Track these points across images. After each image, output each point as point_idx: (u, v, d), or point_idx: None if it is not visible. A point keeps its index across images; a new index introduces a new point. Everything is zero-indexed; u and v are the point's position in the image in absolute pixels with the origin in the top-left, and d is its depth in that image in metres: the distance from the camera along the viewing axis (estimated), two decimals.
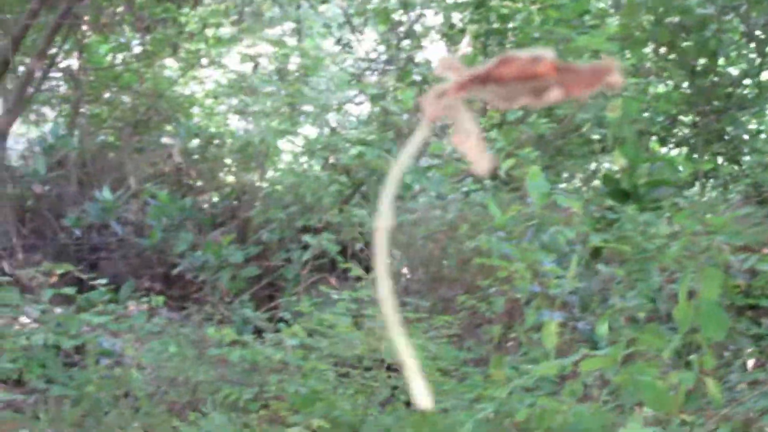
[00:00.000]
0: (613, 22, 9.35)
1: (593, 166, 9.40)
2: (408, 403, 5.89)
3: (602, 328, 4.84)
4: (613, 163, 6.85)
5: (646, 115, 9.03)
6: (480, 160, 0.90)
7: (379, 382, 5.79)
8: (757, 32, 9.61)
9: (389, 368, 5.91)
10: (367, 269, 8.18)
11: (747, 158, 9.70)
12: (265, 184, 10.86)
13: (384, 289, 0.88)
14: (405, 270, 8.33)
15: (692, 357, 4.70)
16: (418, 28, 11.43)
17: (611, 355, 4.45)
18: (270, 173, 11.31)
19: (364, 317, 6.09)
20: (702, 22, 9.28)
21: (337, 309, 6.22)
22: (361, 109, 11.04)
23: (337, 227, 8.78)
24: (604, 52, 8.07)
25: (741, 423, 4.96)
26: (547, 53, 0.87)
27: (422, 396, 0.87)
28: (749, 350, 5.79)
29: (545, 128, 8.29)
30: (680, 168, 7.74)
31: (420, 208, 8.39)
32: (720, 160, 9.70)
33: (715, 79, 9.89)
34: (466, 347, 6.63)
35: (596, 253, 5.57)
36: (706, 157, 9.44)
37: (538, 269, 5.65)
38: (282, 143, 10.99)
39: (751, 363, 5.78)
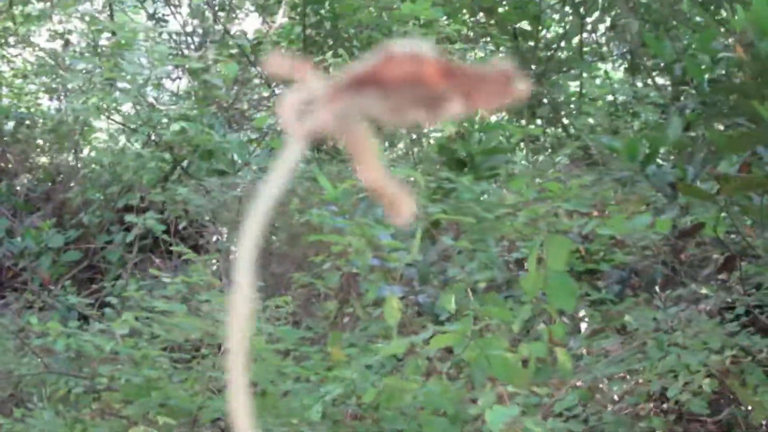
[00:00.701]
0: None
1: (417, 134, 9.26)
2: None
3: (449, 302, 4.65)
4: (443, 131, 6.71)
5: None
6: (397, 201, 0.69)
7: (216, 368, 5.52)
8: None
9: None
10: (194, 248, 7.88)
11: (567, 121, 9.71)
12: (81, 165, 10.45)
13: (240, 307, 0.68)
14: (233, 248, 8.05)
15: (541, 327, 4.60)
16: None
17: (461, 330, 4.30)
18: (86, 153, 10.90)
19: (197, 301, 5.82)
20: None
21: (168, 292, 5.93)
22: (180, 84, 10.69)
23: (161, 206, 8.46)
24: (428, 19, 7.92)
25: (586, 390, 4.89)
26: (428, 50, 0.67)
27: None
28: (584, 315, 5.74)
29: None
30: (508, 134, 7.66)
31: (245, 183, 8.11)
32: (542, 123, 9.68)
33: (531, 43, 9.88)
34: (304, 326, 6.42)
35: (434, 224, 5.39)
36: (525, 122, 9.41)
37: (375, 243, 5.45)
38: (98, 121, 10.58)
39: (583, 327, 5.73)
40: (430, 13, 7.82)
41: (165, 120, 8.92)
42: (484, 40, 9.95)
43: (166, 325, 5.50)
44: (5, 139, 10.93)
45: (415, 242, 4.84)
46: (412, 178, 5.32)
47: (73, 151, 10.78)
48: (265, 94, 10.79)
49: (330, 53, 7.88)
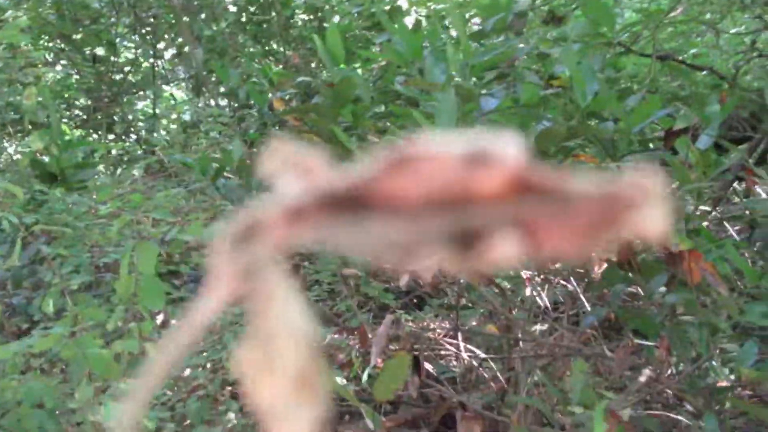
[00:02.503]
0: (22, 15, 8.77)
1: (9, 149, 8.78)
2: None
3: (47, 304, 4.46)
4: (31, 146, 6.41)
5: (58, 101, 8.59)
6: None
7: None
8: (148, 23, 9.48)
9: None
10: None
11: (141, 136, 9.55)
12: None
13: None
14: None
15: (132, 325, 4.47)
16: None
17: (61, 332, 4.12)
18: None
19: None
20: (96, 16, 9.01)
21: None
22: None
23: None
24: (19, 43, 7.50)
25: (171, 379, 4.81)
26: (509, 144, 0.38)
27: None
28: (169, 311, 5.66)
29: None
30: (91, 149, 7.41)
31: None
32: (118, 139, 9.47)
33: (102, 67, 9.65)
34: None
35: (29, 233, 5.13)
36: (105, 139, 9.20)
37: None
38: None
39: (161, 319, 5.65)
40: (18, 38, 7.41)
41: None
42: (63, 63, 9.58)
43: None
44: None
45: (16, 249, 4.58)
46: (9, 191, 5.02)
47: None
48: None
49: None
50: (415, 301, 6.00)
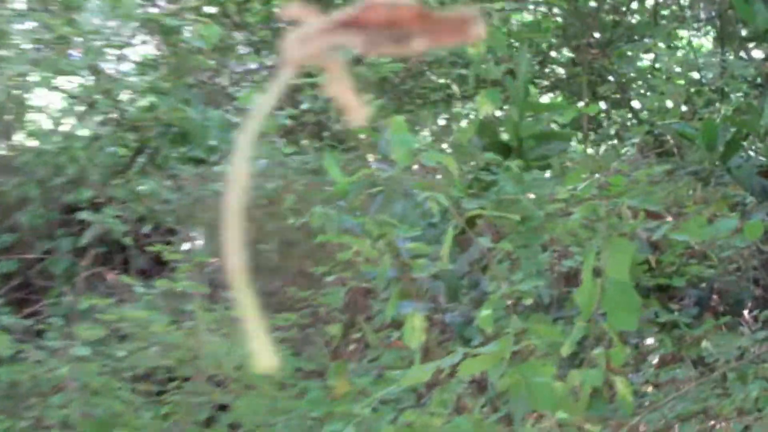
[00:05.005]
0: None
1: (447, 114, 9.41)
2: (232, 426, 5.84)
3: (486, 316, 4.79)
4: (478, 111, 6.84)
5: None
6: (356, 110, 1.01)
7: (200, 398, 5.75)
8: None
9: (214, 382, 5.85)
10: (159, 260, 7.94)
11: (636, 102, 9.73)
12: (14, 153, 10.50)
13: (237, 279, 0.94)
14: (211, 259, 8.13)
15: (597, 352, 4.70)
16: None
17: (498, 352, 4.41)
18: (22, 138, 10.92)
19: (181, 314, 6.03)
20: None
21: (141, 305, 6.16)
22: (147, 50, 10.77)
23: (119, 204, 8.53)
24: None
25: None
26: (409, 1, 1.02)
27: (265, 356, 0.93)
28: (653, 341, 5.85)
29: (388, 69, 8.32)
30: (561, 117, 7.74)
31: (228, 174, 8.28)
32: (606, 104, 9.74)
33: (594, 4, 9.91)
34: (304, 355, 6.57)
35: (470, 225, 5.53)
36: (585, 102, 9.41)
37: (393, 247, 5.60)
38: (39, 98, 10.64)
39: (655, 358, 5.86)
40: None
41: (128, 94, 9.05)
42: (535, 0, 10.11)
43: (137, 342, 5.71)
44: None
45: (446, 246, 4.99)
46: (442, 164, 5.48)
47: (4, 136, 10.81)
48: (253, 65, 10.94)
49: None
50: None
